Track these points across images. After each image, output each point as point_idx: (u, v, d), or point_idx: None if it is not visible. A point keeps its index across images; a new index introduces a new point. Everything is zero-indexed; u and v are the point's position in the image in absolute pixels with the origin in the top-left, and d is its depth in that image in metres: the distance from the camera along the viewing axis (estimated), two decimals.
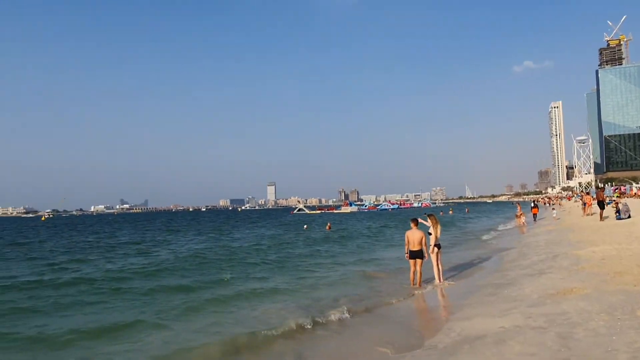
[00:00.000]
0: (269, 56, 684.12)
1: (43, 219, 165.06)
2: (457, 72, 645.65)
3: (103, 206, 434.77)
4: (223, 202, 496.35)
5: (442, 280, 11.60)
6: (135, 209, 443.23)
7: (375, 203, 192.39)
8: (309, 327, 8.04)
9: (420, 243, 11.20)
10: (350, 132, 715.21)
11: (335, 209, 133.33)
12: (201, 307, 9.81)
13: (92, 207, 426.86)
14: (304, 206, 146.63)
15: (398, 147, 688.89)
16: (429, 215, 12.17)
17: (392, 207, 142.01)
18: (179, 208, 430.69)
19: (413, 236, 11.27)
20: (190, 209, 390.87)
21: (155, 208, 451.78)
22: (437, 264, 11.66)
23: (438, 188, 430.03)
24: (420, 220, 11.77)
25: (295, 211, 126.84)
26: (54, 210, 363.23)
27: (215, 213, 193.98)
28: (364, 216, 79.17)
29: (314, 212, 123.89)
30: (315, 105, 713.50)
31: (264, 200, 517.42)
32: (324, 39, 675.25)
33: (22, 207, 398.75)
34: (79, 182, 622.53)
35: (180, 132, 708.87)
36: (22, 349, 7.41)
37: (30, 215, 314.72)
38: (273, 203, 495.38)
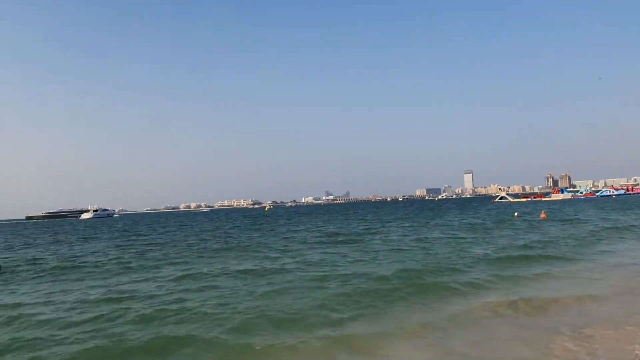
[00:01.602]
0: (453, 55, 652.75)
1: (266, 209, 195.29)
2: None
3: (312, 197, 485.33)
4: (419, 192, 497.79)
5: None
6: (339, 199, 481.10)
7: (593, 189, 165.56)
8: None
9: None
10: (554, 107, 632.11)
11: (544, 197, 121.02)
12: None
13: (303, 199, 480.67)
14: (507, 194, 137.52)
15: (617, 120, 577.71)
16: None
17: (616, 193, 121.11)
18: (377, 198, 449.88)
19: None
20: (388, 199, 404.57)
21: (356, 198, 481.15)
22: None
23: None
24: None
25: (496, 199, 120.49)
26: (273, 201, 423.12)
27: (412, 203, 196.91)
28: (583, 204, 69.69)
29: (518, 200, 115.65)
30: (511, 82, 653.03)
31: (461, 189, 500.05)
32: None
33: (250, 200, 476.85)
34: (293, 177, 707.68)
35: (378, 124, 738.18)
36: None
37: (256, 206, 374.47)
38: (471, 192, 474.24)
